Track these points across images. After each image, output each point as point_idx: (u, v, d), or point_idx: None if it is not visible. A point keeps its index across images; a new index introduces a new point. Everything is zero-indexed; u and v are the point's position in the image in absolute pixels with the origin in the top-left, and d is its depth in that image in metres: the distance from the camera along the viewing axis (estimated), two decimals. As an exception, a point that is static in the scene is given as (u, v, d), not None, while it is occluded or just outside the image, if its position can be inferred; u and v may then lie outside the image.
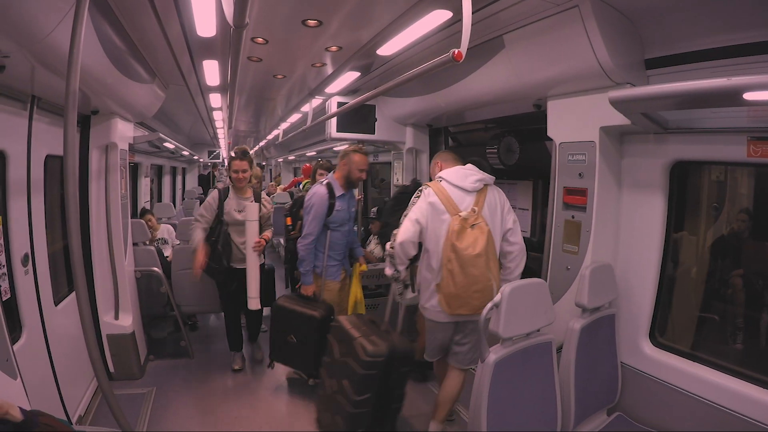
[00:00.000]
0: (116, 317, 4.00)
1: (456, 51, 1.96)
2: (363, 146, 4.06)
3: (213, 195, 4.23)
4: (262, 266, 4.32)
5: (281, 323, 3.86)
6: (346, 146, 4.01)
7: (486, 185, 3.04)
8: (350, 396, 2.86)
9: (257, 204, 4.12)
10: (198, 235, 4.10)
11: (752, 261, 2.97)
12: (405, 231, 2.94)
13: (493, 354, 2.22)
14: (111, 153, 3.93)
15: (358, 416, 2.86)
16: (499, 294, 2.23)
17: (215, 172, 16.61)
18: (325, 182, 3.90)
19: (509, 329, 2.25)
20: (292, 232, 4.59)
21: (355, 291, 4.14)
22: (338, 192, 3.85)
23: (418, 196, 3.03)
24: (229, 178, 4.24)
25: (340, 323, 3.19)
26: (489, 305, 2.23)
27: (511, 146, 4.47)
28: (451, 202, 2.93)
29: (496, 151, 4.41)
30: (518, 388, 2.35)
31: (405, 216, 3.03)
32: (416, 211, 2.96)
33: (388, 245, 3.09)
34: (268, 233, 4.26)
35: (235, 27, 2.10)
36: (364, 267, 4.26)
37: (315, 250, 3.86)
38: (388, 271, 3.17)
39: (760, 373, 2.36)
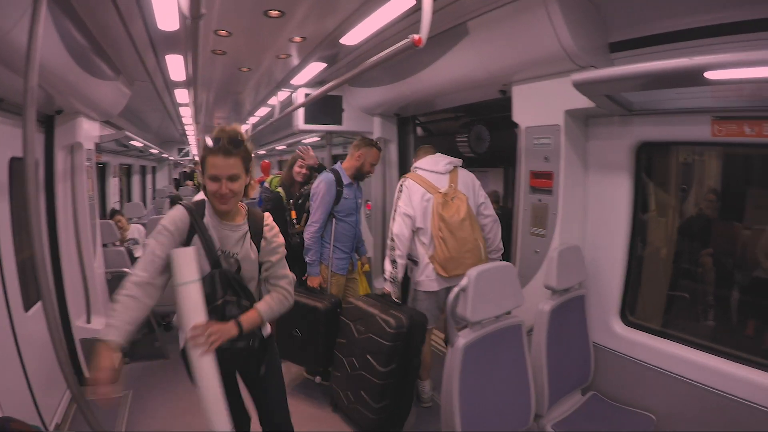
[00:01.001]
0: (88, 321, 3.92)
1: (416, 36, 1.95)
2: (378, 142, 4.01)
3: (178, 216, 2.01)
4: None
5: (285, 317, 3.76)
6: (359, 138, 3.89)
7: (456, 167, 3.47)
8: (376, 369, 2.99)
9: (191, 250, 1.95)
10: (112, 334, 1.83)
11: (721, 241, 3.04)
12: (398, 225, 3.29)
13: (462, 338, 2.21)
14: (77, 153, 3.83)
15: (386, 387, 2.98)
16: (465, 278, 2.23)
17: (198, 170, 15.40)
18: (331, 170, 3.86)
19: (477, 313, 2.24)
20: (297, 226, 4.25)
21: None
22: (345, 181, 3.82)
23: (401, 191, 3.36)
24: (203, 189, 2.14)
25: (353, 304, 3.37)
26: (456, 289, 2.22)
27: (482, 134, 4.49)
28: (430, 184, 3.35)
29: (466, 139, 4.43)
30: (490, 372, 2.35)
31: (394, 211, 3.34)
32: (403, 206, 3.31)
33: (389, 241, 3.34)
34: (261, 307, 2.15)
35: (192, 18, 2.06)
36: (367, 267, 4.31)
37: (321, 240, 3.81)
38: (388, 271, 3.31)
39: (731, 347, 2.41)
